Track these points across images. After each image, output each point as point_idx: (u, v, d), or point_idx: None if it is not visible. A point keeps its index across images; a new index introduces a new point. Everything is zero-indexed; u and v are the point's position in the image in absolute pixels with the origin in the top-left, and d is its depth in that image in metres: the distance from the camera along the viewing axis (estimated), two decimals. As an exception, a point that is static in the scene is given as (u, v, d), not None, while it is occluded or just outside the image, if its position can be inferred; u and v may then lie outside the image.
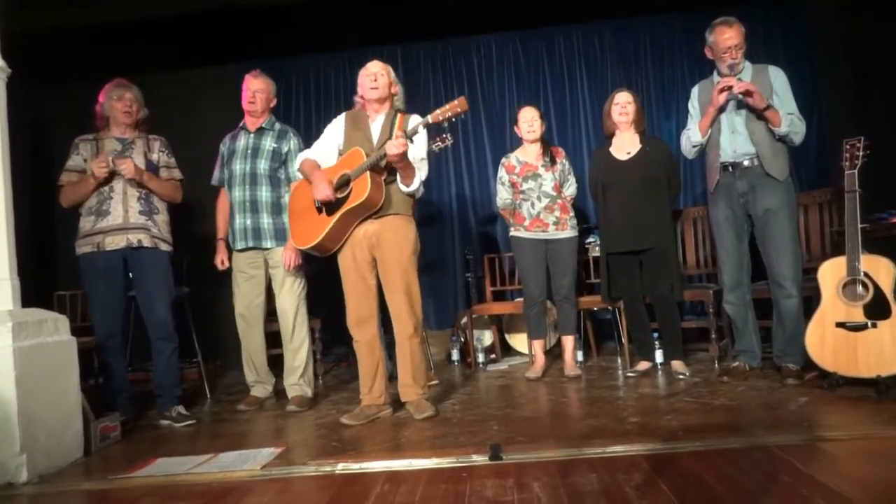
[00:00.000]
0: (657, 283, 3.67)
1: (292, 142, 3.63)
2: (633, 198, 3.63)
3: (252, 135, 3.60)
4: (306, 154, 3.21)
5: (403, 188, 3.05)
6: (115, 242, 3.29)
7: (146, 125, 3.55)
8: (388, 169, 3.00)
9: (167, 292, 3.45)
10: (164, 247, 3.45)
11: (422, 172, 3.07)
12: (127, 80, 3.49)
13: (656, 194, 3.63)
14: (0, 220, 2.67)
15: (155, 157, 3.48)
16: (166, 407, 3.41)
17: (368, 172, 2.94)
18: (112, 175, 3.30)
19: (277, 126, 3.67)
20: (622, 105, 3.70)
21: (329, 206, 3.05)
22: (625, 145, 3.73)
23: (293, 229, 3.27)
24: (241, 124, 3.68)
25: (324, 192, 3.00)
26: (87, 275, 3.34)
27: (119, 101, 3.38)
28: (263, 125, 3.61)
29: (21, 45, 2.96)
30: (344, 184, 3.02)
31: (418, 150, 3.05)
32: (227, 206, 3.67)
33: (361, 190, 2.94)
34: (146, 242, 3.35)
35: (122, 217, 3.31)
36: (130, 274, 3.40)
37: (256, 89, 3.58)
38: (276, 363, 3.85)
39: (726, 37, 3.25)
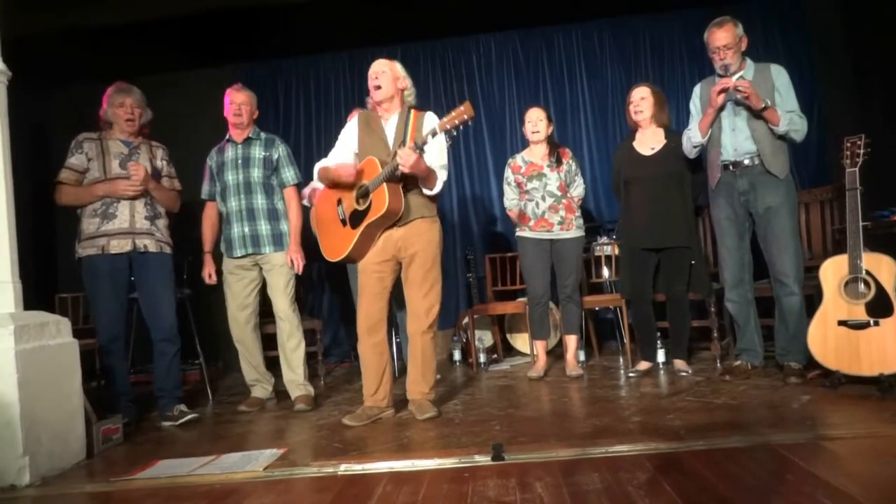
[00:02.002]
0: (674, 281, 3.66)
1: (280, 149, 3.68)
2: (656, 194, 3.60)
3: (240, 146, 3.63)
4: (323, 163, 3.21)
5: (426, 192, 3.06)
6: (120, 246, 3.30)
7: (149, 128, 3.56)
8: (404, 177, 2.99)
9: (171, 295, 3.48)
10: (168, 249, 3.48)
11: (442, 177, 3.07)
12: (127, 81, 3.49)
13: (679, 190, 3.61)
14: (1, 222, 2.67)
15: (158, 164, 3.52)
16: (168, 409, 3.41)
17: (385, 183, 2.93)
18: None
19: (263, 135, 3.71)
20: (635, 103, 3.68)
21: (353, 219, 3.08)
22: (648, 140, 3.70)
23: (322, 242, 3.30)
24: (226, 137, 3.70)
25: (348, 171, 3.01)
26: (91, 277, 3.33)
27: (120, 108, 3.38)
28: (250, 135, 3.65)
29: (21, 48, 2.96)
30: (363, 195, 3.03)
31: (438, 158, 3.04)
32: (216, 219, 3.73)
33: (380, 202, 2.94)
34: (152, 247, 3.37)
35: (129, 221, 3.32)
36: (132, 276, 3.40)
37: (241, 102, 3.60)
38: (271, 365, 3.86)
39: (715, 37, 3.25)
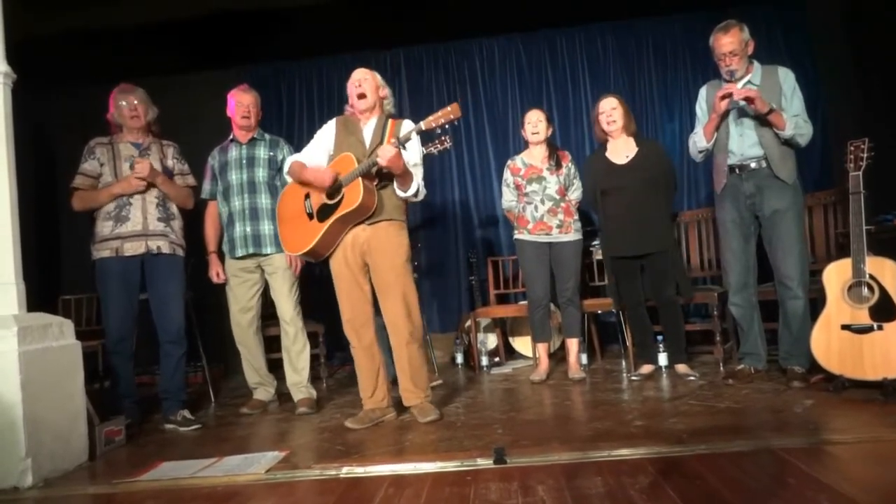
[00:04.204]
0: (663, 286, 3.67)
1: (285, 150, 3.70)
2: (635, 202, 3.62)
3: (244, 146, 3.64)
4: (294, 157, 3.21)
5: (401, 193, 3.05)
6: (133, 248, 3.31)
7: (158, 127, 3.58)
8: (379, 175, 2.99)
9: (181, 297, 3.48)
10: (181, 252, 3.48)
11: (417, 177, 3.07)
12: (130, 82, 3.50)
13: (657, 197, 3.63)
14: (5, 224, 2.68)
15: (170, 163, 3.53)
16: (171, 411, 3.42)
17: (360, 178, 2.93)
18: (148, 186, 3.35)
19: (268, 136, 3.73)
20: (607, 113, 3.70)
21: (321, 213, 3.06)
22: (621, 149, 3.72)
23: (283, 235, 3.27)
24: (230, 137, 3.71)
25: (327, 175, 2.99)
26: (104, 279, 3.34)
27: (124, 108, 3.41)
28: (255, 136, 3.67)
29: (24, 50, 2.97)
30: (335, 190, 3.02)
31: (412, 156, 3.05)
32: (217, 218, 3.73)
33: (354, 196, 2.94)
34: (165, 249, 3.38)
35: (142, 223, 3.33)
36: (144, 278, 3.40)
37: (249, 103, 3.63)
38: (274, 367, 3.87)
39: (721, 43, 3.23)
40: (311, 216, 3.10)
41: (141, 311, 3.54)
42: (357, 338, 3.13)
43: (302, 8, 4.75)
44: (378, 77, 3.19)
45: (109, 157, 3.39)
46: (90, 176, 3.38)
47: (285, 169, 3.26)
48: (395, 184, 3.03)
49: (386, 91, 3.20)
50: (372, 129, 3.13)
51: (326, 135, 3.21)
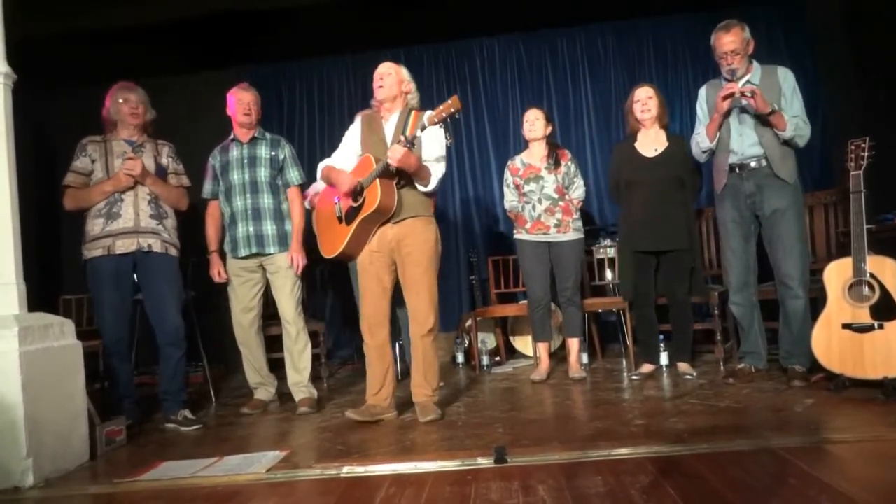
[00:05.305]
0: (677, 285, 3.65)
1: (286, 149, 3.70)
2: (659, 197, 3.59)
3: (245, 145, 3.63)
4: (326, 161, 3.26)
5: (421, 188, 3.07)
6: (125, 246, 3.28)
7: (154, 128, 3.57)
8: (398, 173, 3.01)
9: (177, 298, 3.46)
10: (174, 252, 3.45)
11: (438, 171, 3.08)
12: (130, 82, 3.50)
13: (681, 194, 3.60)
14: (6, 224, 2.68)
15: (164, 161, 3.51)
16: (172, 411, 3.41)
17: (378, 179, 2.96)
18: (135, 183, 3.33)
19: (268, 135, 3.72)
20: (643, 101, 3.65)
21: (348, 215, 3.11)
22: (650, 142, 3.68)
23: (320, 239, 3.35)
24: (230, 137, 3.70)
25: (347, 182, 3.05)
26: (96, 278, 3.31)
27: (125, 104, 3.39)
28: (256, 135, 3.66)
29: (24, 50, 2.97)
30: (358, 192, 3.05)
31: (434, 150, 3.07)
32: (219, 217, 3.72)
33: (373, 198, 2.97)
34: (157, 248, 3.35)
35: (133, 220, 3.31)
36: (137, 278, 3.40)
37: (250, 101, 3.62)
38: (274, 367, 3.87)
39: (723, 42, 3.23)
40: (340, 219, 3.16)
41: (140, 311, 3.54)
42: (370, 335, 3.14)
43: (302, 8, 4.75)
44: (403, 72, 3.21)
45: (101, 153, 3.37)
46: (82, 173, 3.35)
47: (318, 175, 3.30)
48: (414, 180, 3.05)
49: (411, 86, 3.21)
50: (393, 126, 3.15)
51: (353, 136, 3.26)
